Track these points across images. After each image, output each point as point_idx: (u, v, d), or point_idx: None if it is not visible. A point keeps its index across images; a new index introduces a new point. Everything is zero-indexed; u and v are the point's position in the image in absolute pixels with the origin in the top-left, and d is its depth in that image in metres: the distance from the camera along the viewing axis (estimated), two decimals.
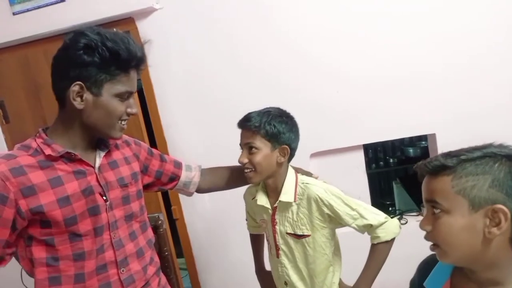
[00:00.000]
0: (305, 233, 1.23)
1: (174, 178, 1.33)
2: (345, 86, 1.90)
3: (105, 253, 1.04)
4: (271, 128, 1.18)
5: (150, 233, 1.22)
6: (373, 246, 1.23)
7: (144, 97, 2.06)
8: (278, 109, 1.26)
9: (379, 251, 1.22)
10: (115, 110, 0.99)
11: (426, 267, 0.91)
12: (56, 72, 0.99)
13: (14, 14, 2.02)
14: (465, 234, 0.73)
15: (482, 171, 0.71)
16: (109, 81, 0.97)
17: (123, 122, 1.04)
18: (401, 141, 2.93)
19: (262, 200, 1.29)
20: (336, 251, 1.31)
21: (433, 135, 1.91)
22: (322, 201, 1.20)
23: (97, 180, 1.04)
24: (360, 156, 2.02)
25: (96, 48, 0.93)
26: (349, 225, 1.21)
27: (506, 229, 0.69)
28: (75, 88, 0.95)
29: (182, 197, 2.13)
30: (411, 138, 2.82)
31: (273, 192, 1.28)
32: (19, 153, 0.97)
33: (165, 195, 2.13)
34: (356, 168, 2.01)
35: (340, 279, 1.34)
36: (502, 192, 0.69)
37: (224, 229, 2.13)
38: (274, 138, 1.19)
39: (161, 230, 1.98)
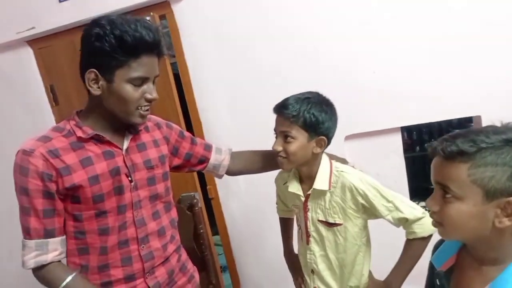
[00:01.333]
0: (337, 222, 1.21)
1: (204, 160, 1.37)
2: (381, 66, 1.81)
3: (127, 230, 1.10)
4: (310, 118, 1.12)
5: (174, 213, 1.28)
6: (408, 241, 1.19)
7: (180, 81, 2.11)
8: (318, 95, 1.19)
9: (414, 247, 1.17)
10: (128, 96, 1.01)
11: (438, 245, 0.92)
12: (80, 60, 1.04)
13: (60, 1, 2.12)
14: (474, 221, 0.72)
15: (502, 162, 0.67)
16: (120, 67, 0.99)
17: (143, 108, 1.05)
18: (449, 122, 2.77)
19: (294, 187, 1.27)
20: (367, 242, 1.28)
21: (478, 117, 1.78)
22: (357, 190, 1.16)
23: (124, 162, 1.09)
24: (397, 139, 1.93)
25: (105, 36, 0.95)
26: (384, 217, 1.17)
27: None
28: (89, 75, 1.00)
29: (216, 178, 2.18)
30: (459, 120, 2.65)
31: (306, 178, 1.25)
32: (53, 135, 1.04)
33: (201, 175, 2.19)
34: (393, 152, 1.94)
35: (370, 271, 1.30)
36: None
37: (258, 210, 2.16)
38: (312, 128, 1.14)
39: (197, 208, 2.07)
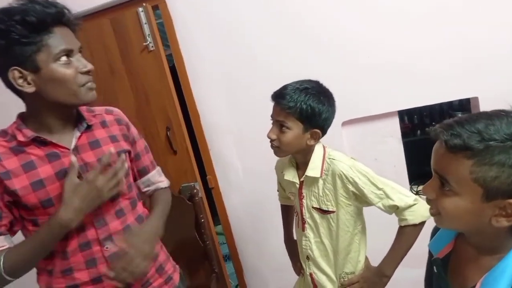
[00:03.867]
0: (330, 209, 1.21)
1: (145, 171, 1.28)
2: (377, 50, 1.78)
3: (86, 232, 1.05)
4: (307, 110, 1.11)
5: (140, 208, 1.22)
6: (400, 228, 1.19)
7: (176, 72, 2.10)
8: (317, 85, 1.17)
9: (406, 234, 1.17)
10: (63, 76, 0.95)
11: (436, 230, 0.90)
12: None
13: None
14: (470, 216, 0.69)
15: (510, 164, 0.62)
16: (38, 50, 0.92)
17: (87, 84, 0.99)
18: (450, 105, 2.73)
19: (290, 174, 1.27)
20: (362, 230, 1.28)
21: (476, 99, 1.76)
22: (346, 177, 1.16)
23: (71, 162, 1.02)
24: (395, 124, 1.92)
25: (8, 28, 0.89)
26: (375, 205, 1.17)
27: None
28: (13, 74, 0.93)
29: (216, 168, 2.19)
30: (460, 102, 2.62)
31: (302, 165, 1.26)
32: (9, 130, 1.01)
33: (200, 165, 2.20)
34: (391, 137, 1.93)
35: (366, 258, 1.31)
36: None
37: (258, 199, 2.17)
38: (307, 120, 1.13)
39: (197, 198, 2.09)
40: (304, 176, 1.22)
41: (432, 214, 0.78)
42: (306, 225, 1.28)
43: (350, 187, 1.17)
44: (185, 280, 1.38)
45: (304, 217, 1.27)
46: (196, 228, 2.12)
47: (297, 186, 1.26)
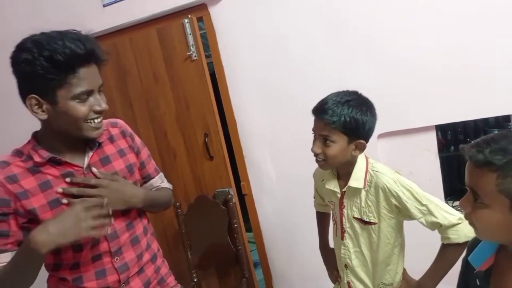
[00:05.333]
0: (372, 221, 1.21)
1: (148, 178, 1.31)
2: (416, 64, 1.80)
3: (99, 245, 1.09)
4: (351, 122, 1.11)
5: (145, 220, 1.26)
6: (443, 245, 1.18)
7: (216, 80, 2.18)
8: (358, 96, 1.17)
9: (448, 252, 1.16)
10: (76, 113, 0.97)
11: (474, 243, 0.92)
12: (17, 86, 0.99)
13: (104, 6, 2.25)
14: (502, 228, 0.73)
15: None
16: (60, 87, 0.94)
17: (95, 121, 1.02)
18: (485, 122, 2.69)
19: (331, 184, 1.28)
20: (402, 243, 1.27)
21: None
22: (390, 191, 1.16)
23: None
24: (432, 138, 1.92)
25: (34, 60, 0.91)
26: (417, 219, 1.16)
27: None
28: (31, 101, 0.95)
29: (251, 174, 2.25)
30: (497, 119, 2.58)
31: (344, 175, 1.26)
32: (12, 160, 1.02)
33: (235, 172, 2.26)
34: (427, 151, 1.93)
35: (404, 270, 1.31)
36: None
37: (290, 206, 2.20)
38: (351, 132, 1.13)
39: (231, 204, 2.14)
40: (346, 186, 1.23)
41: (471, 225, 0.81)
42: (346, 234, 1.28)
43: (393, 201, 1.17)
44: None
45: (344, 226, 1.28)
46: (229, 233, 2.17)
47: (338, 195, 1.27)
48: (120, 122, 1.24)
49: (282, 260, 2.34)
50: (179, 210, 2.18)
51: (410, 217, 1.18)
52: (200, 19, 2.12)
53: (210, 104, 2.11)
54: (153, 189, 1.30)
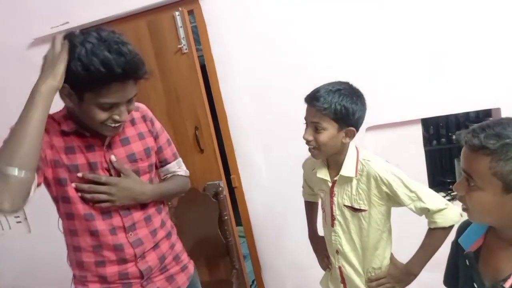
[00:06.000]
0: (362, 208, 1.26)
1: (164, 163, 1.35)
2: (402, 57, 1.86)
3: (112, 219, 1.15)
4: (341, 110, 1.16)
5: (160, 201, 1.31)
6: (429, 230, 1.23)
7: (206, 73, 2.19)
8: (349, 86, 1.23)
9: (435, 237, 1.22)
10: (95, 118, 1.02)
11: (463, 227, 0.97)
12: None
13: None
14: (494, 209, 0.78)
15: None
16: (89, 90, 0.98)
17: (112, 125, 1.06)
18: (466, 117, 2.78)
19: (322, 173, 1.32)
20: (390, 228, 1.33)
21: (498, 110, 1.83)
22: (381, 179, 1.21)
23: (104, 157, 1.13)
24: (418, 131, 1.99)
25: (73, 59, 0.94)
26: (407, 206, 1.22)
27: None
28: (63, 89, 0.99)
29: (241, 167, 2.27)
30: (477, 114, 2.67)
31: (334, 164, 1.31)
32: (56, 116, 1.10)
33: (225, 165, 2.28)
34: (413, 144, 1.99)
35: (392, 254, 1.36)
36: None
37: (280, 199, 2.24)
38: (342, 120, 1.18)
39: (221, 196, 2.17)
40: (338, 175, 1.28)
41: (463, 210, 0.86)
42: (336, 222, 1.33)
43: (384, 188, 1.22)
44: (197, 274, 1.46)
45: (334, 214, 1.32)
46: (219, 225, 2.20)
47: (329, 184, 1.32)
48: (142, 106, 1.28)
49: (271, 251, 2.37)
50: (169, 203, 2.19)
51: (399, 203, 1.24)
52: (190, 12, 2.12)
53: (201, 97, 2.12)
54: (169, 175, 1.35)
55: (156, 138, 1.28)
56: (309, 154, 1.31)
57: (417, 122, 1.97)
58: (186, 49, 2.07)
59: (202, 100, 2.13)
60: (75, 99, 1.00)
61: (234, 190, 2.32)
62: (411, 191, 1.20)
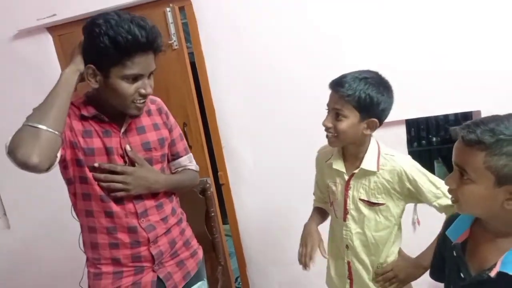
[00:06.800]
0: (380, 202, 1.23)
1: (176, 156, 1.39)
2: (387, 58, 1.91)
3: (125, 205, 1.20)
4: (365, 98, 1.12)
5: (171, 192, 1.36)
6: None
7: (195, 69, 2.19)
8: (377, 75, 1.18)
9: None
10: (123, 92, 1.09)
11: (451, 220, 1.01)
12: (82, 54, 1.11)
13: None
14: (485, 201, 0.81)
15: None
16: (115, 65, 1.06)
17: (138, 101, 1.13)
18: (446, 119, 2.89)
19: (338, 164, 1.29)
20: (400, 223, 1.32)
21: (478, 112, 1.90)
22: (406, 175, 1.18)
23: (120, 143, 1.18)
24: (402, 132, 2.05)
25: (99, 36, 1.02)
26: (429, 203, 1.20)
27: None
28: (88, 70, 1.08)
29: (229, 164, 2.28)
30: (456, 117, 2.78)
31: (351, 157, 1.27)
32: (75, 102, 1.17)
33: (213, 162, 2.28)
34: (398, 144, 2.05)
35: (400, 248, 1.34)
36: None
37: (267, 196, 2.27)
38: (365, 109, 1.14)
39: (209, 193, 2.16)
40: (359, 168, 1.23)
41: (453, 202, 0.90)
42: (349, 216, 1.29)
43: (408, 184, 1.19)
44: (204, 259, 1.52)
45: (347, 207, 1.28)
46: (206, 222, 2.20)
47: (346, 177, 1.27)
48: (159, 100, 1.35)
49: (256, 248, 2.39)
50: None
51: (419, 200, 1.22)
52: (181, 9, 2.12)
53: (190, 93, 2.12)
54: (180, 168, 1.39)
55: (170, 131, 1.33)
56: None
57: (402, 123, 2.03)
58: (176, 45, 2.07)
59: (191, 97, 2.13)
60: (101, 78, 1.08)
61: (221, 187, 2.33)
62: (436, 187, 1.18)
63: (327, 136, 1.22)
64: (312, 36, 2.01)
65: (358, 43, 1.96)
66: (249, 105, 2.18)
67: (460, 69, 1.86)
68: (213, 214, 2.18)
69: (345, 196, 1.29)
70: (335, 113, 1.17)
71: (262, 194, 2.28)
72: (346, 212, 1.30)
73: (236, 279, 2.53)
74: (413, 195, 1.22)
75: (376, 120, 1.17)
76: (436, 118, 2.85)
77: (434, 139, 2.87)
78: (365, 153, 1.23)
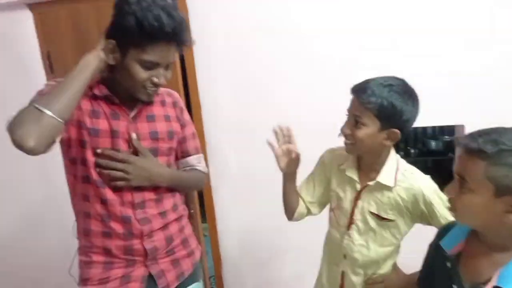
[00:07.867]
0: (390, 218, 1.17)
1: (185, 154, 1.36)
2: (365, 68, 1.91)
3: (123, 192, 1.16)
4: (387, 107, 1.04)
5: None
6: None
7: (183, 63, 2.13)
8: (404, 84, 1.10)
9: None
10: (135, 75, 1.07)
11: (444, 230, 1.00)
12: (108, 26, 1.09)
13: None
14: (483, 212, 0.81)
15: None
16: (134, 46, 1.04)
17: (149, 88, 1.11)
18: (424, 133, 2.96)
19: (352, 172, 1.21)
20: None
21: (461, 126, 1.93)
22: (423, 197, 1.12)
23: (127, 128, 1.15)
24: None
25: (127, 14, 1.00)
26: (437, 226, 1.13)
27: None
28: (107, 44, 1.06)
29: (210, 164, 2.23)
30: (433, 131, 2.85)
31: (366, 167, 1.20)
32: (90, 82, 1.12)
33: None
34: None
35: (395, 263, 1.30)
36: None
37: (247, 197, 2.24)
38: (386, 119, 1.06)
39: None
40: (374, 181, 1.16)
41: (450, 210, 0.90)
42: (354, 226, 1.22)
43: (422, 206, 1.14)
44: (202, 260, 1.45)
45: (354, 217, 1.22)
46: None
47: (358, 186, 1.20)
48: (176, 94, 1.33)
49: (232, 249, 2.36)
50: None
51: (429, 223, 1.17)
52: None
53: (177, 88, 2.06)
54: (188, 167, 1.34)
55: (182, 126, 1.30)
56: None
57: None
58: None
59: (178, 90, 2.06)
60: (118, 55, 1.06)
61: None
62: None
63: (345, 143, 1.16)
64: (303, 32, 1.98)
65: (348, 44, 1.95)
66: (236, 104, 2.14)
67: (444, 83, 1.87)
68: (192, 211, 2.13)
69: (353, 205, 1.23)
70: (354, 119, 1.10)
71: (242, 195, 2.25)
72: (351, 221, 1.24)
73: (210, 278, 2.48)
74: (425, 217, 1.16)
75: (397, 131, 1.09)
76: (415, 131, 2.91)
77: (412, 150, 2.93)
78: (382, 165, 1.16)
